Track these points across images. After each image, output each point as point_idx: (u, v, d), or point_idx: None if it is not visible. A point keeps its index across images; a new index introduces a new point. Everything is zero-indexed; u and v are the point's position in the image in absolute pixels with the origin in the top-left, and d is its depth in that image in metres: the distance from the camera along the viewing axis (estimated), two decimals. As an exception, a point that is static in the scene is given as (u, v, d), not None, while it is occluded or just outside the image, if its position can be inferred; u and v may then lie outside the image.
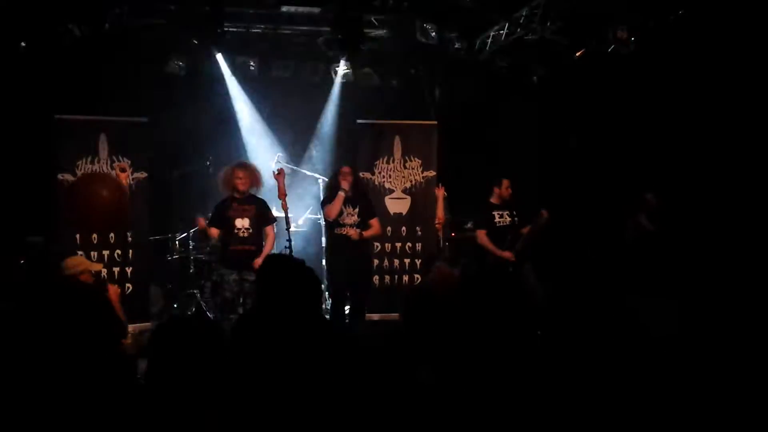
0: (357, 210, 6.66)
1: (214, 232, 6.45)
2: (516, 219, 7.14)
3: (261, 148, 8.96)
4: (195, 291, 7.82)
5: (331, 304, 6.83)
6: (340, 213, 6.58)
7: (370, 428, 1.94)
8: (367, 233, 6.71)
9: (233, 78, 8.91)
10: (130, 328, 5.16)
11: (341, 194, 6.51)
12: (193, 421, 1.97)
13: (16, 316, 2.30)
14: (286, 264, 3.00)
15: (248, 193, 6.44)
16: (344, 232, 6.55)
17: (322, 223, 8.25)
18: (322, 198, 7.14)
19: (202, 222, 6.41)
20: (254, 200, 6.45)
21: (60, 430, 1.85)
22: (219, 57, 8.62)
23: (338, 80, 9.13)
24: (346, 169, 6.74)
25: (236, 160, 6.97)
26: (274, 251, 6.56)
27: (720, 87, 6.56)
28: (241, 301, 6.28)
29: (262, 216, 6.44)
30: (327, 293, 7.24)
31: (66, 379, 1.93)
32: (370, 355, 2.04)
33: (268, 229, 6.50)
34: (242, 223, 6.32)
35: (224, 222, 6.36)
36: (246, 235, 6.31)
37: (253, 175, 6.47)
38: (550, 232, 6.99)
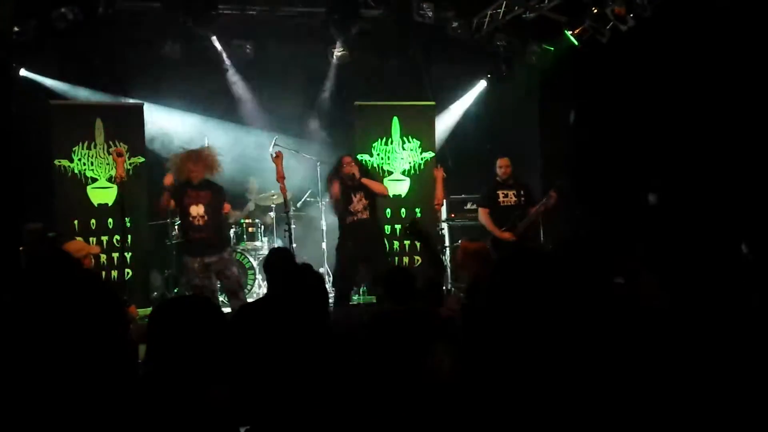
0: (362, 194, 6.62)
1: (173, 203, 6.35)
2: (523, 199, 7.05)
3: (258, 131, 8.91)
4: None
5: (335, 295, 6.80)
6: (349, 201, 6.54)
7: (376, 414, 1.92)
8: (374, 185, 6.66)
9: (228, 60, 8.84)
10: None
11: (336, 182, 6.51)
12: (197, 402, 1.95)
13: (19, 304, 2.27)
14: (291, 260, 3.01)
15: (204, 180, 6.37)
16: (347, 172, 6.50)
17: (321, 206, 8.24)
18: (326, 185, 7.05)
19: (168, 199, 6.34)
20: (209, 186, 6.33)
21: (65, 418, 1.83)
22: (214, 40, 8.54)
23: (335, 61, 9.04)
24: (347, 159, 6.69)
25: (188, 148, 6.66)
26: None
27: (717, 62, 6.52)
28: (213, 285, 6.27)
29: (217, 201, 6.34)
30: (330, 283, 7.20)
31: (71, 367, 1.91)
32: (378, 340, 2.01)
33: (226, 204, 6.46)
34: (197, 210, 6.21)
35: (181, 209, 6.28)
36: (201, 223, 6.21)
37: (207, 164, 6.33)
38: (557, 214, 6.93)
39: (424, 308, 3.29)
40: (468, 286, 4.85)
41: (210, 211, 6.25)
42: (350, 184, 6.52)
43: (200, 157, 6.33)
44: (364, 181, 6.54)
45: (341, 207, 6.59)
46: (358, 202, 6.55)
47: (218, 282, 6.33)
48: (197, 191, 6.22)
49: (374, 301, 7.15)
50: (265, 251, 7.96)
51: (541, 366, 1.95)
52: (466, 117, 9.56)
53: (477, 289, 4.56)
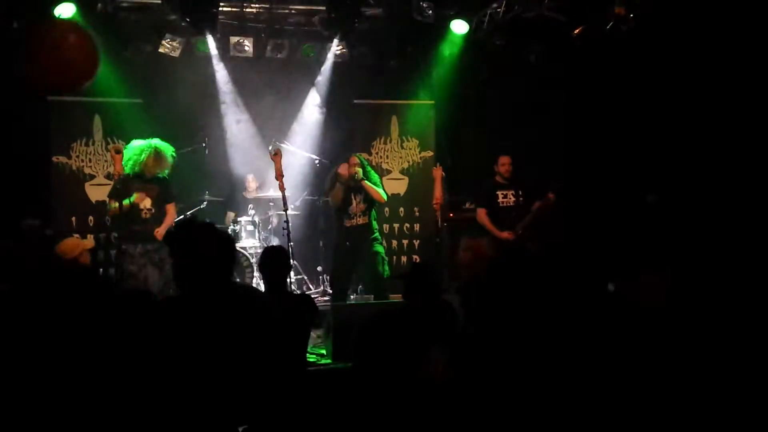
0: (362, 197, 6.60)
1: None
2: (521, 199, 7.03)
3: (256, 129, 8.89)
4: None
5: (332, 294, 6.79)
6: (349, 202, 6.51)
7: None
8: (373, 191, 6.61)
9: (227, 58, 8.81)
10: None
11: (339, 186, 6.48)
12: (196, 401, 1.95)
13: (17, 301, 2.27)
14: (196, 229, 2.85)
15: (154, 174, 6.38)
16: (350, 172, 6.46)
17: (319, 204, 8.22)
18: (326, 186, 7.03)
19: None
20: (157, 180, 6.39)
21: (62, 414, 1.83)
22: (210, 38, 8.45)
23: (334, 60, 9.02)
24: (353, 159, 6.66)
25: (142, 143, 6.50)
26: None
27: (719, 62, 6.51)
28: (148, 273, 6.25)
29: (163, 195, 6.40)
30: (328, 282, 7.21)
31: (68, 361, 1.90)
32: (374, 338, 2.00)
33: (169, 206, 6.46)
34: (145, 203, 6.28)
35: (128, 199, 6.22)
36: (148, 216, 6.29)
37: (164, 160, 6.37)
38: (555, 215, 6.92)
39: (425, 308, 3.28)
40: (463, 284, 4.80)
41: (156, 205, 6.35)
42: (351, 185, 6.50)
43: (159, 153, 6.36)
44: (364, 184, 6.51)
45: (341, 208, 6.58)
46: (357, 206, 6.52)
47: (156, 270, 6.30)
48: (146, 184, 6.26)
49: (371, 300, 7.14)
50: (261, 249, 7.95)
51: (534, 366, 1.94)
52: (465, 116, 9.54)
53: (472, 289, 4.52)
